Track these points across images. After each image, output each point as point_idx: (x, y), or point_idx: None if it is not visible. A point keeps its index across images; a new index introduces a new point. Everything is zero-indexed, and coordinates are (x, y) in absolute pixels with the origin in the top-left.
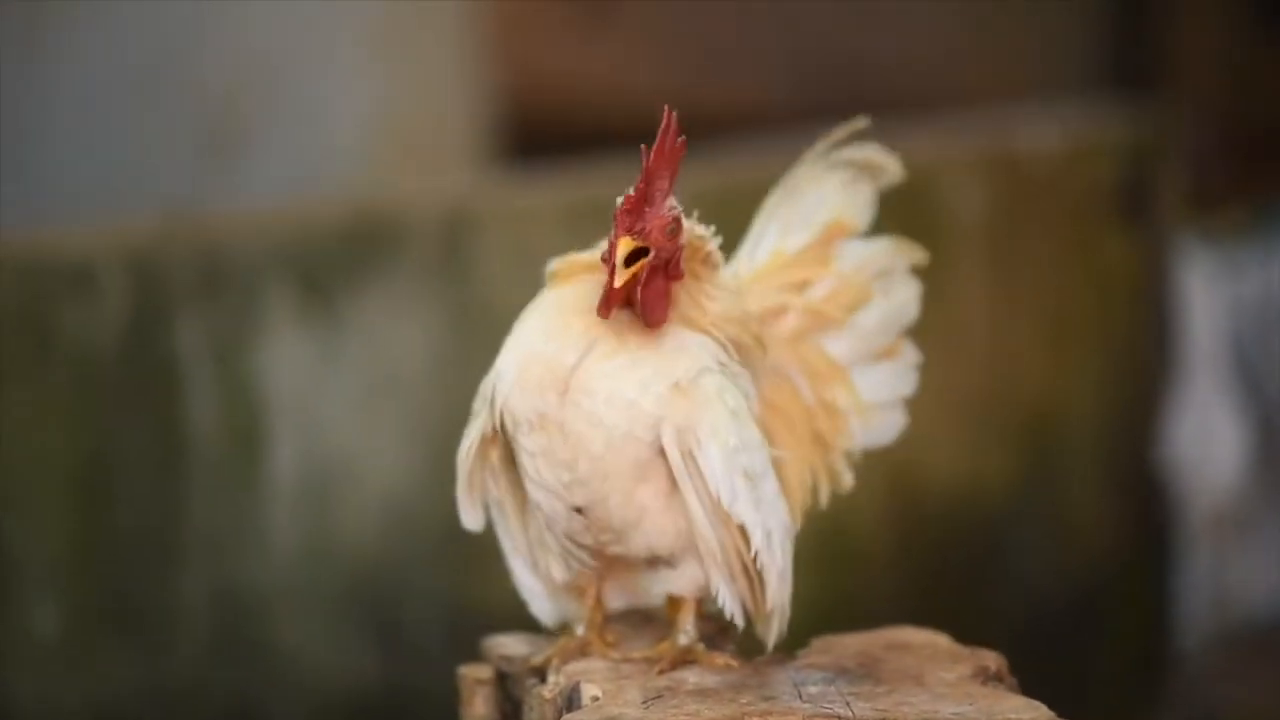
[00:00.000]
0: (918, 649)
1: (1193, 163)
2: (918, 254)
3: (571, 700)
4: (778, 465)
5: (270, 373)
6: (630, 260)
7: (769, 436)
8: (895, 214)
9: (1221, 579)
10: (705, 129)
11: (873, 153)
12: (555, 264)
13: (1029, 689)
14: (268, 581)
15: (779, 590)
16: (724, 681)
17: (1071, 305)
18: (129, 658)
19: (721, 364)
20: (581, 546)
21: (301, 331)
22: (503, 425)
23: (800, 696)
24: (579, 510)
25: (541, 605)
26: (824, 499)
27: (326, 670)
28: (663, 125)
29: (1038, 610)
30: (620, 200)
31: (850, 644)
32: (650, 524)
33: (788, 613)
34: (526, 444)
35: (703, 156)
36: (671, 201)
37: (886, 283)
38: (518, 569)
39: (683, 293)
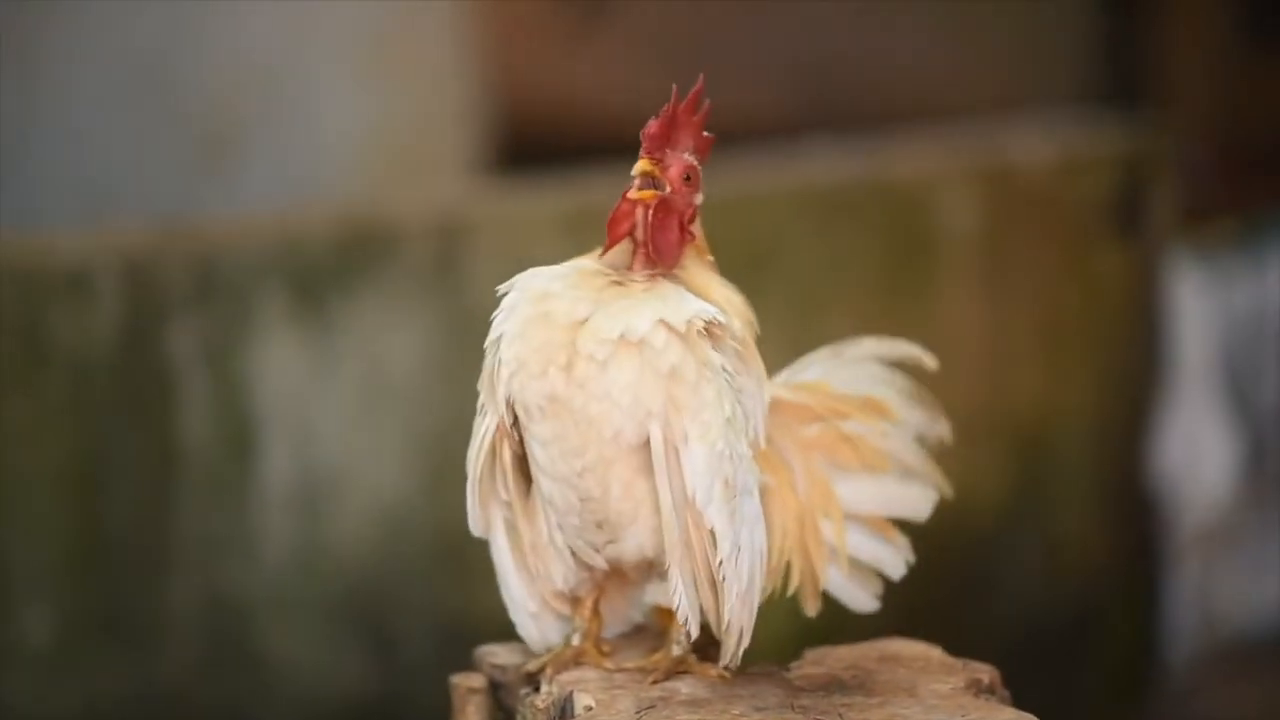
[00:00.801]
0: (910, 661)
1: (1185, 176)
2: (946, 488)
3: (565, 710)
4: (766, 494)
5: (263, 380)
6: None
7: (763, 496)
8: (890, 226)
9: (1210, 593)
10: None
11: (937, 415)
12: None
13: (1017, 702)
14: (259, 589)
15: (739, 610)
16: (716, 692)
17: (1063, 318)
18: (121, 664)
19: (728, 375)
20: (588, 543)
21: (295, 339)
22: (514, 415)
23: (793, 707)
24: (586, 502)
25: (529, 627)
26: (786, 591)
27: (318, 678)
28: (695, 86)
29: (1027, 623)
30: (646, 127)
31: (843, 655)
32: (644, 521)
33: (747, 638)
34: (539, 432)
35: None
36: (693, 156)
37: (906, 473)
38: (513, 585)
39: (699, 273)
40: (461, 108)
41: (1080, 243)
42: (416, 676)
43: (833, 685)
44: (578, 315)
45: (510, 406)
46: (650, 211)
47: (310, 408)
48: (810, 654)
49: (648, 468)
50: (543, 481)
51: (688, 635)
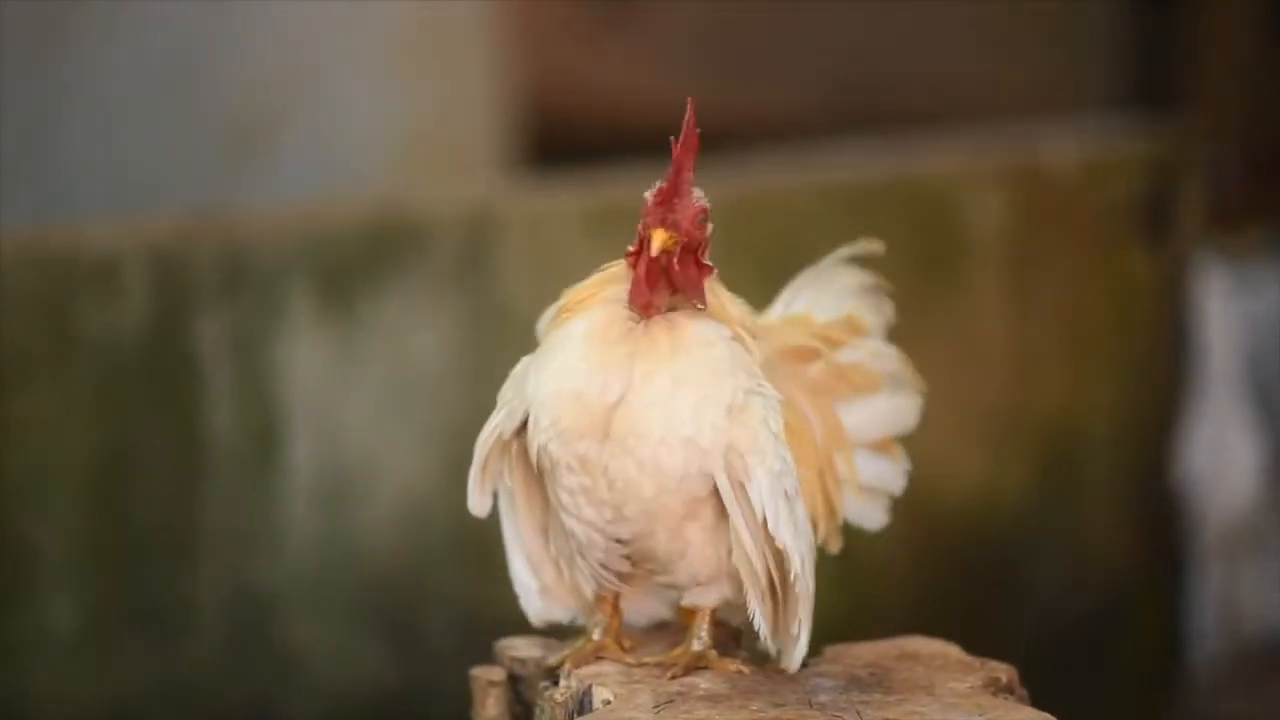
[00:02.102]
0: (928, 659)
1: (1212, 180)
2: (920, 383)
3: (583, 704)
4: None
5: (289, 373)
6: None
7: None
8: (919, 227)
9: (1234, 595)
10: (726, 137)
11: (877, 286)
12: (563, 300)
13: (1040, 702)
14: (283, 581)
15: (808, 611)
16: (735, 688)
17: (1089, 320)
18: (145, 655)
19: (760, 384)
20: (614, 571)
21: (321, 332)
22: (538, 461)
23: (810, 704)
24: (620, 541)
25: (533, 603)
26: (820, 535)
27: (340, 670)
28: (687, 116)
29: (1051, 624)
30: (650, 193)
31: (861, 653)
32: (695, 555)
33: (807, 641)
34: (565, 482)
35: (724, 164)
36: (698, 191)
37: (895, 384)
38: (516, 564)
39: (710, 294)
40: (490, 104)
41: (1107, 245)
42: (438, 668)
43: (851, 683)
44: (610, 398)
45: (540, 454)
46: (678, 258)
47: (336, 401)
48: (829, 651)
49: (697, 513)
50: (565, 519)
51: (709, 631)
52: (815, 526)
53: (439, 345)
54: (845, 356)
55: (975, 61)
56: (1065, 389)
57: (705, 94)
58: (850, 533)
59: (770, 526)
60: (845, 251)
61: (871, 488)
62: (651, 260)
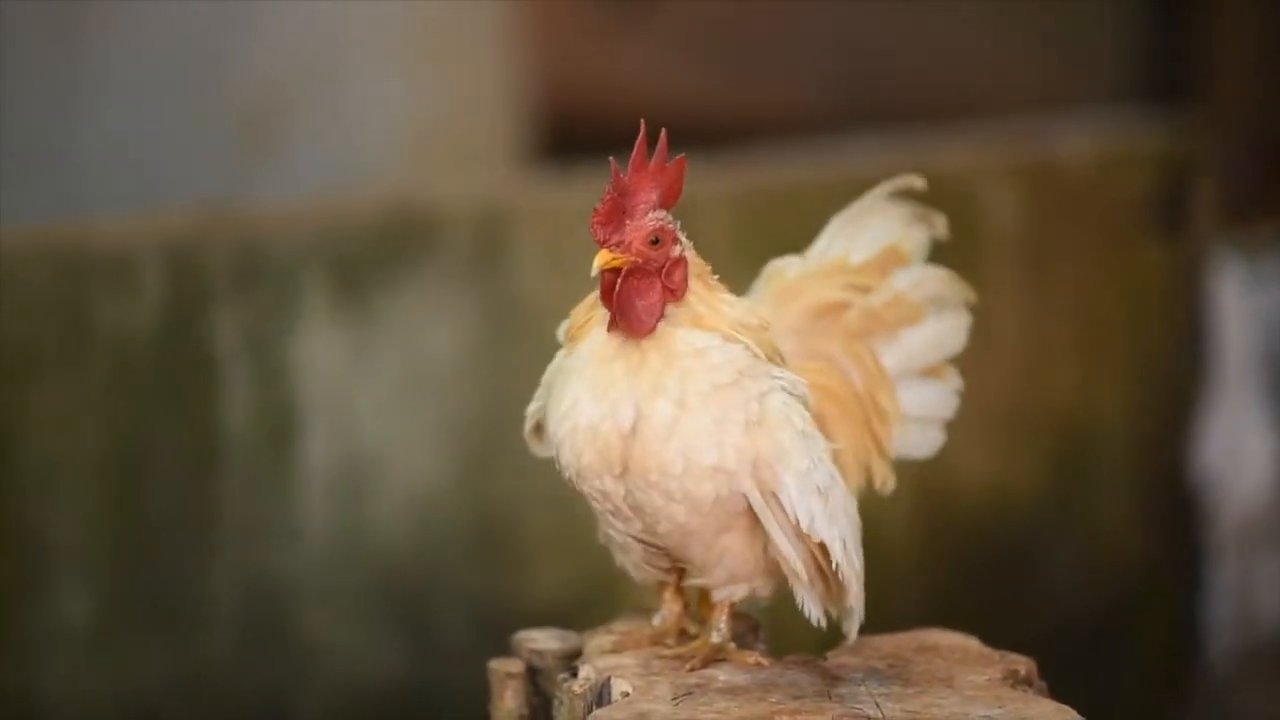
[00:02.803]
0: (947, 652)
1: (1227, 175)
2: (969, 292)
3: (602, 696)
4: (836, 457)
5: (304, 367)
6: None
7: (823, 423)
8: None
9: (1248, 590)
10: (740, 132)
11: (924, 210)
12: (568, 324)
13: (1055, 696)
14: (298, 574)
15: (859, 591)
16: (753, 680)
17: (1104, 314)
18: (161, 648)
19: (775, 379)
20: (656, 567)
21: (336, 326)
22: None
23: (829, 696)
24: (658, 547)
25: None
26: (876, 480)
27: (355, 663)
28: (638, 140)
29: (1066, 618)
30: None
31: (880, 645)
32: (732, 559)
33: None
34: (595, 506)
35: (736, 160)
36: (658, 214)
37: (939, 308)
38: None
39: (698, 301)
40: (505, 98)
41: (1122, 239)
42: (454, 661)
43: (870, 674)
44: (622, 425)
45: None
46: (621, 281)
47: (351, 394)
48: (848, 643)
49: (730, 526)
50: (601, 519)
51: (728, 623)
52: (870, 473)
53: (453, 339)
54: (881, 295)
55: (989, 57)
56: (1079, 383)
57: (717, 86)
58: (866, 526)
59: (805, 527)
60: (884, 187)
61: (922, 416)
62: (604, 282)
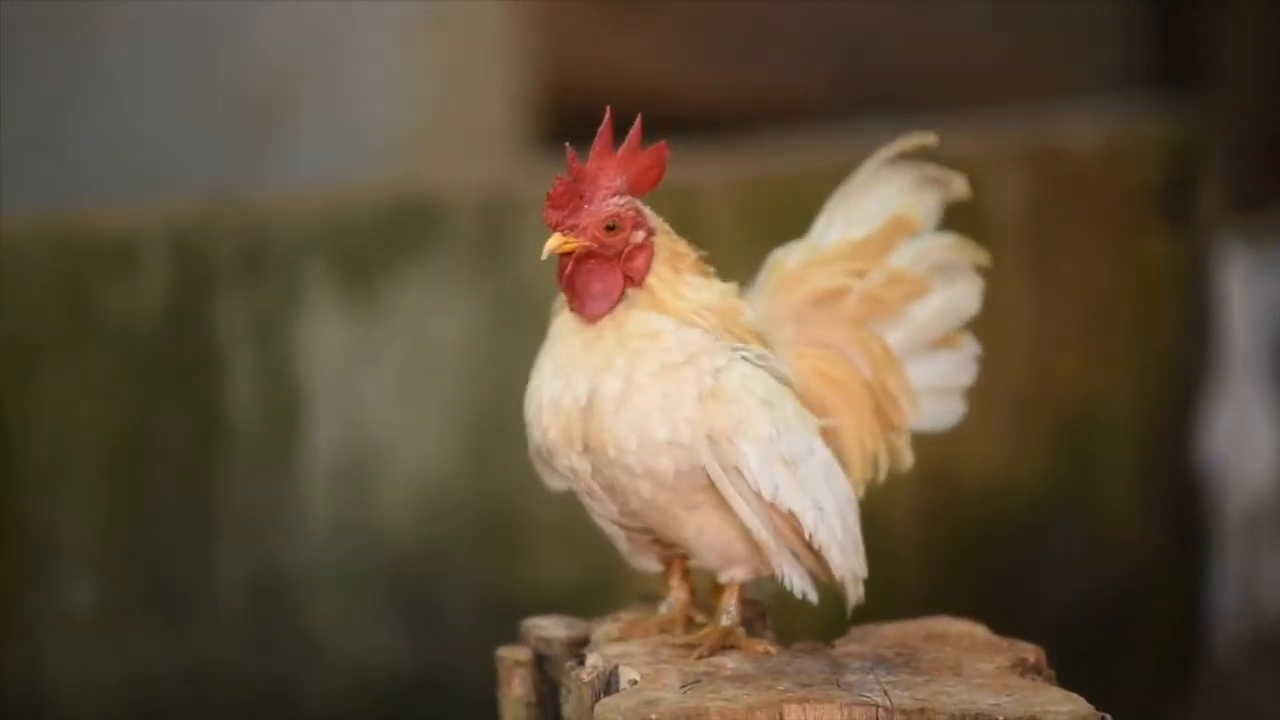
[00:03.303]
0: (956, 640)
1: (1233, 163)
2: (979, 254)
3: (610, 683)
4: (832, 435)
5: (309, 354)
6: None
7: (824, 407)
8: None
9: (1254, 578)
10: (744, 119)
11: (939, 171)
12: (557, 300)
13: (1061, 684)
14: (303, 562)
15: (843, 560)
16: (761, 668)
17: (1110, 303)
18: (166, 636)
19: (734, 355)
20: (646, 558)
21: (340, 314)
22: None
23: (838, 684)
24: (642, 531)
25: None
26: (883, 473)
27: (362, 651)
28: (602, 126)
29: (1071, 606)
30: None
31: (888, 633)
32: (713, 537)
33: (861, 576)
34: (571, 484)
35: (741, 146)
36: (619, 200)
37: (947, 276)
38: None
39: (661, 286)
40: (509, 85)
41: (1127, 228)
42: (460, 649)
43: (878, 663)
44: (579, 400)
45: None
46: (573, 264)
47: (356, 382)
48: (855, 631)
49: (697, 502)
50: (587, 507)
51: (737, 607)
52: (881, 458)
53: (458, 327)
54: (879, 275)
55: (995, 43)
56: (1085, 371)
57: (721, 74)
58: (872, 514)
59: (769, 496)
60: (884, 152)
61: (939, 387)
62: (559, 265)
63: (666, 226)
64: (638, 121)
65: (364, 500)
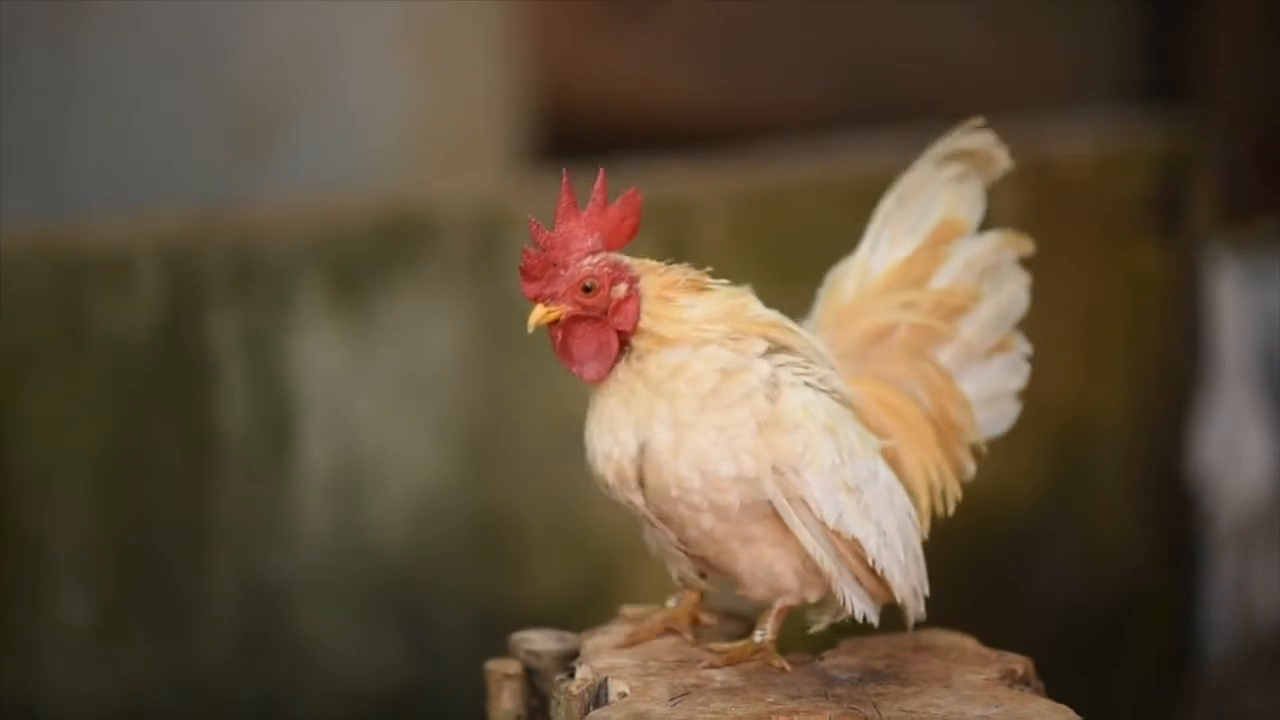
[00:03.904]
0: (945, 651)
1: (1225, 173)
2: (1025, 245)
3: (599, 696)
4: (892, 456)
5: (302, 367)
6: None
7: (884, 431)
8: None
9: (1247, 588)
10: (738, 131)
11: (982, 142)
12: None
13: (1053, 695)
14: (296, 575)
15: (904, 581)
16: (751, 680)
17: (1102, 313)
18: (158, 649)
19: (781, 369)
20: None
21: (333, 327)
22: None
23: (827, 696)
24: (697, 558)
25: None
26: (951, 505)
27: (353, 663)
28: (560, 190)
29: (1064, 616)
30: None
31: (878, 645)
32: (766, 567)
33: (923, 593)
34: (632, 510)
35: (735, 158)
36: (593, 259)
37: (995, 278)
38: None
39: (655, 323)
40: (503, 98)
41: (1120, 238)
42: (452, 662)
43: (867, 674)
44: (631, 452)
45: None
46: (561, 332)
47: (348, 395)
48: (845, 643)
49: (755, 536)
50: (643, 526)
51: (774, 626)
52: (954, 464)
53: (451, 340)
54: (927, 301)
55: (987, 55)
56: (1078, 381)
57: (716, 87)
58: None
59: (833, 524)
60: (930, 153)
61: (993, 393)
62: (550, 336)
63: (651, 263)
64: (600, 177)
65: (356, 513)
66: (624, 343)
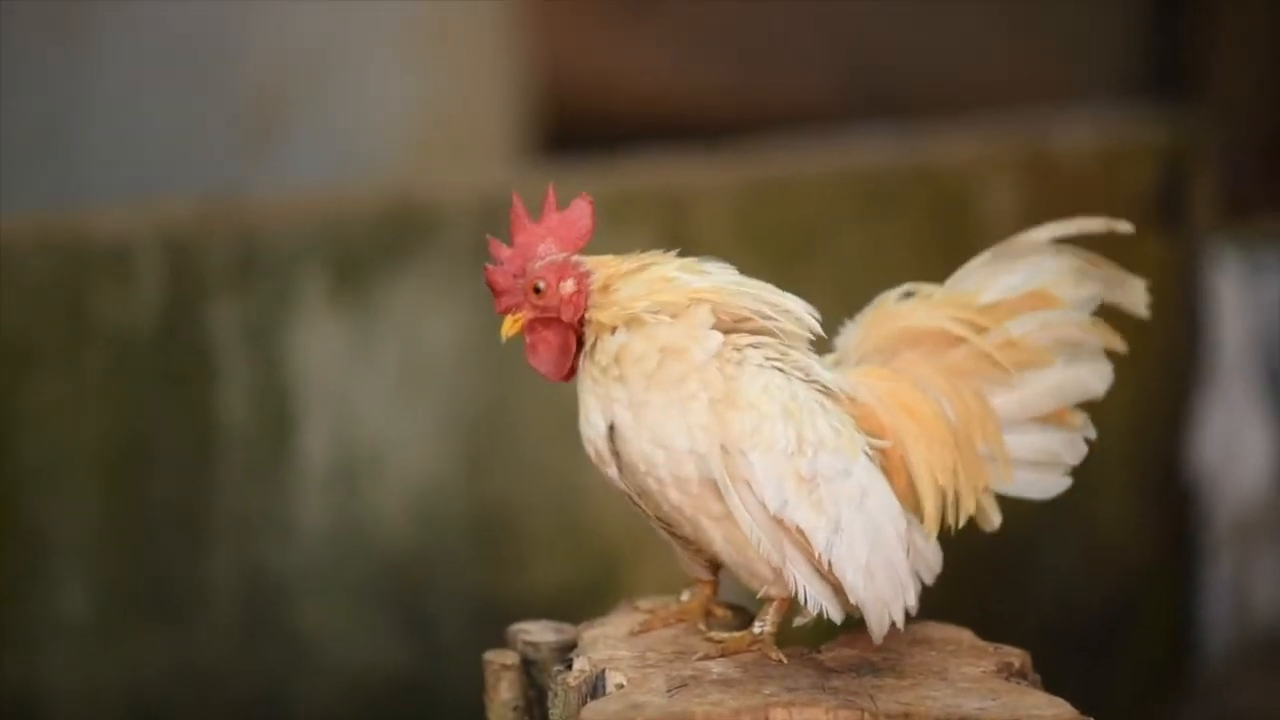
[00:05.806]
0: (941, 644)
1: (1226, 169)
2: (1114, 339)
3: (596, 687)
4: (893, 457)
5: (303, 359)
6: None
7: (886, 431)
8: (933, 214)
9: (1246, 585)
10: (742, 125)
11: (1116, 272)
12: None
13: (1051, 691)
14: (296, 567)
15: (864, 585)
16: (748, 672)
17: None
18: (159, 640)
19: (744, 348)
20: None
21: (335, 318)
22: None
23: (824, 689)
24: (688, 541)
25: None
26: (963, 518)
27: (353, 655)
28: (512, 208)
29: (1063, 613)
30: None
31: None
32: (740, 553)
33: (897, 608)
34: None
35: (740, 152)
36: (541, 261)
37: (1072, 354)
38: None
39: (597, 310)
40: (506, 91)
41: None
42: (450, 654)
43: (864, 667)
44: (601, 430)
45: None
46: (528, 338)
47: (350, 387)
48: (842, 636)
49: (722, 512)
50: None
51: (774, 620)
52: (979, 511)
53: (453, 332)
54: (996, 337)
55: (990, 50)
56: None
57: (719, 79)
58: None
59: (774, 510)
60: (1045, 232)
61: (1040, 461)
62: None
63: (609, 258)
64: (550, 190)
65: (357, 505)
66: (580, 337)
